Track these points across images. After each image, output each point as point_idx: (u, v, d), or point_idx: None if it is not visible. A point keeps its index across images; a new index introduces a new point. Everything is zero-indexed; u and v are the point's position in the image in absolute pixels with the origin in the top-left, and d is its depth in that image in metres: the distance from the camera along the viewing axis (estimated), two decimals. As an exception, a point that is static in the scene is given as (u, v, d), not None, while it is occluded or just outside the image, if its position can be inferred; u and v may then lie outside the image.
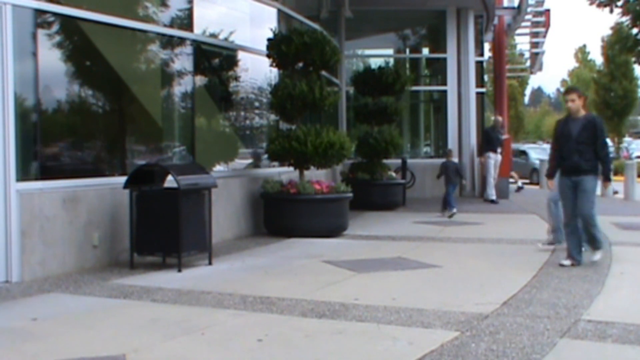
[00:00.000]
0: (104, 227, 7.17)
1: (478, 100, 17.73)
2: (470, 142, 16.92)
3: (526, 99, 69.15)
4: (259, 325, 4.81)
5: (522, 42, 33.01)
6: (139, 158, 8.21)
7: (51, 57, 6.94)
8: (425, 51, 20.07)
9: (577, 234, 7.17)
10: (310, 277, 6.54)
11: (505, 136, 16.76)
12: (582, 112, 7.07)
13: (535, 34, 24.86)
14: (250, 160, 10.78)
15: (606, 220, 11.01)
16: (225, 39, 9.85)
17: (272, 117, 10.77)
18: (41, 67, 6.68)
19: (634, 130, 55.21)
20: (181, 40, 8.73)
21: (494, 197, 14.95)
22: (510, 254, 7.93)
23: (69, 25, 7.18)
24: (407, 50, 19.64)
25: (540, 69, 28.17)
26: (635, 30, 19.25)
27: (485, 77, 23.77)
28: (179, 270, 6.80)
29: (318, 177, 10.66)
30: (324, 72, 11.28)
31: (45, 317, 5.06)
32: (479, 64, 18.18)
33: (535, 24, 23.82)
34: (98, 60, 7.62)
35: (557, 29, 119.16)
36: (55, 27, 7.03)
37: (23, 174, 6.46)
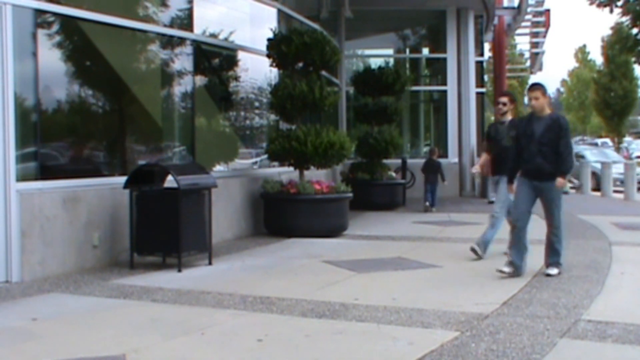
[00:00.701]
0: (104, 227, 7.17)
1: (478, 100, 17.75)
2: (470, 142, 16.93)
3: (526, 99, 69.18)
4: (259, 325, 4.81)
5: (522, 42, 33.08)
6: (139, 158, 8.22)
7: (51, 57, 6.94)
8: (425, 51, 20.09)
9: (524, 241, 6.53)
10: (310, 277, 6.54)
11: None
12: (547, 111, 6.54)
13: (535, 34, 24.89)
14: (250, 160, 10.78)
15: (606, 220, 11.04)
16: (225, 39, 9.85)
17: (272, 117, 10.77)
18: (41, 67, 6.68)
19: (634, 130, 55.26)
20: (181, 40, 8.73)
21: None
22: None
23: (69, 25, 7.18)
24: (407, 50, 19.65)
25: (540, 69, 28.20)
26: (635, 30, 19.28)
27: (485, 77, 23.78)
28: (179, 270, 6.80)
29: (318, 177, 10.66)
30: (324, 72, 11.28)
31: (45, 317, 5.06)
32: (479, 64, 18.19)
33: (535, 24, 23.85)
34: (98, 60, 7.62)
35: (557, 29, 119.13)
36: (55, 27, 7.03)
37: (23, 174, 6.46)
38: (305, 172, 9.89)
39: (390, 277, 6.60)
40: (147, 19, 8.29)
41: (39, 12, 6.69)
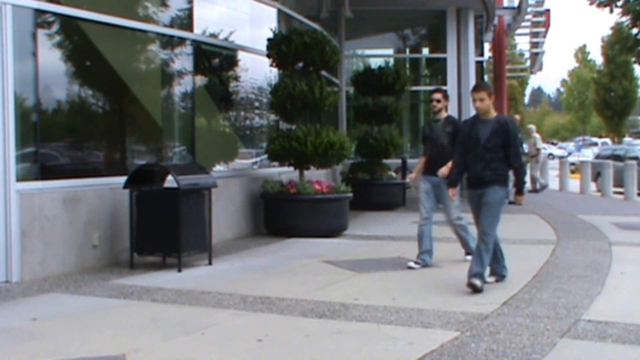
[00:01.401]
0: (104, 227, 7.17)
1: (478, 100, 17.71)
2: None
3: (526, 99, 69.24)
4: (259, 325, 4.81)
5: (522, 42, 33.08)
6: (139, 158, 8.22)
7: (51, 57, 6.94)
8: (425, 51, 20.08)
9: (494, 250, 6.05)
10: (310, 277, 6.54)
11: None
12: (493, 114, 6.01)
13: (535, 34, 24.90)
14: (250, 160, 10.78)
15: (606, 220, 11.04)
16: (225, 39, 9.85)
17: (272, 117, 10.77)
18: (41, 67, 6.68)
19: (634, 130, 55.27)
20: (181, 40, 8.73)
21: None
22: (510, 254, 7.91)
23: (69, 25, 7.18)
24: (407, 50, 19.65)
25: (540, 69, 28.22)
26: (635, 30, 19.28)
27: (485, 77, 23.77)
28: (179, 270, 6.80)
29: (318, 177, 10.65)
30: (324, 72, 11.27)
31: (45, 317, 5.06)
32: (479, 64, 18.19)
33: (535, 24, 23.86)
34: (98, 60, 7.62)
35: (557, 29, 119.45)
36: (55, 27, 7.03)
37: (23, 174, 6.46)
38: (305, 172, 9.89)
39: (390, 277, 6.60)
40: (147, 19, 8.29)
41: (39, 12, 6.68)
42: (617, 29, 28.55)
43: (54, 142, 7.13)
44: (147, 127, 8.53)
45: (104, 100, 7.84)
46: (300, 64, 9.85)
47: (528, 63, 31.75)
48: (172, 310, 5.30)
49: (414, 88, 17.01)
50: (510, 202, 6.34)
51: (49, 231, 6.56)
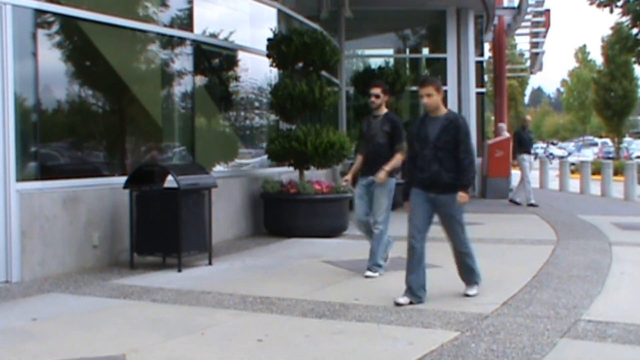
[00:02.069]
0: (104, 227, 7.17)
1: (478, 100, 17.73)
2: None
3: (526, 99, 69.24)
4: (259, 325, 4.81)
5: (522, 42, 33.05)
6: (139, 158, 8.22)
7: (51, 57, 6.94)
8: (425, 51, 20.08)
9: (423, 264, 5.74)
10: (310, 277, 6.54)
11: (505, 136, 16.75)
12: (443, 110, 5.58)
13: (535, 34, 24.88)
14: (250, 160, 10.77)
15: (606, 220, 11.03)
16: (225, 39, 9.85)
17: (272, 117, 10.77)
18: (41, 67, 6.68)
19: (634, 130, 55.26)
20: (181, 40, 8.73)
21: (533, 201, 13.97)
22: (510, 254, 7.94)
23: (69, 25, 7.18)
24: (407, 50, 19.64)
25: (540, 69, 28.19)
26: (635, 30, 19.27)
27: (485, 77, 23.78)
28: (179, 270, 6.80)
29: (318, 177, 10.65)
30: (324, 72, 11.27)
31: (45, 317, 5.06)
32: (479, 64, 18.18)
33: (535, 24, 23.83)
34: (98, 60, 7.62)
35: (557, 29, 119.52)
36: (55, 27, 7.03)
37: (23, 174, 6.46)
38: (305, 172, 9.89)
39: (390, 277, 6.59)
40: (147, 19, 8.29)
41: (39, 12, 6.69)
42: (617, 29, 28.53)
43: (54, 142, 7.13)
44: (147, 127, 8.53)
45: (104, 100, 7.84)
46: (300, 64, 9.85)
47: (528, 63, 31.73)
48: (172, 310, 5.30)
49: (414, 88, 16.97)
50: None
51: (49, 231, 6.56)
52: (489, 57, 23.54)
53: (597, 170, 19.99)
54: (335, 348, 4.29)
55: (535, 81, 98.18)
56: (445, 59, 16.97)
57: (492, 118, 21.04)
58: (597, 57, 60.24)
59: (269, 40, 9.81)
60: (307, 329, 4.68)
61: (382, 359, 4.09)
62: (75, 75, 7.39)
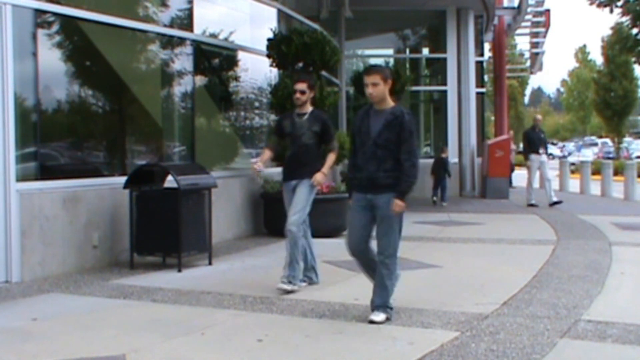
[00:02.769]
0: (104, 227, 7.17)
1: (478, 100, 17.75)
2: (470, 142, 16.93)
3: (526, 99, 69.24)
4: (259, 325, 4.81)
5: (522, 42, 33.10)
6: (139, 158, 8.22)
7: (51, 57, 6.94)
8: (425, 51, 20.09)
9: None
10: (310, 277, 6.53)
11: (505, 136, 16.76)
12: (390, 103, 5.00)
13: (535, 34, 24.91)
14: (250, 160, 10.76)
15: (606, 220, 11.03)
16: (225, 39, 9.85)
17: (272, 117, 10.77)
18: (41, 67, 6.68)
19: (634, 130, 55.26)
20: (181, 40, 8.73)
21: (554, 199, 13.99)
22: (510, 254, 7.93)
23: (69, 25, 7.18)
24: (407, 50, 19.65)
25: (540, 69, 28.22)
26: (635, 30, 19.26)
27: (485, 77, 23.79)
28: (179, 271, 6.80)
29: (318, 177, 10.63)
30: (324, 72, 11.27)
31: (45, 317, 5.06)
32: (479, 64, 18.19)
33: (535, 24, 23.86)
34: (98, 60, 7.62)
35: (557, 29, 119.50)
36: (55, 27, 7.03)
37: (23, 174, 6.46)
38: (305, 172, 9.87)
39: (390, 277, 6.58)
40: (147, 19, 8.29)
41: (39, 12, 6.69)
42: (617, 29, 28.55)
43: (53, 142, 7.13)
44: (147, 127, 8.53)
45: (104, 100, 7.85)
46: (300, 64, 9.84)
47: (528, 63, 31.74)
48: (172, 310, 5.30)
49: (414, 88, 17.00)
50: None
51: (49, 231, 6.56)
52: (489, 57, 23.55)
53: (597, 170, 20.01)
54: (335, 348, 4.29)
55: (535, 81, 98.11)
56: (445, 59, 16.98)
57: (492, 118, 21.04)
58: (597, 57, 60.26)
59: (269, 40, 9.81)
60: (307, 329, 4.68)
61: (382, 359, 4.09)
62: (75, 75, 7.40)
